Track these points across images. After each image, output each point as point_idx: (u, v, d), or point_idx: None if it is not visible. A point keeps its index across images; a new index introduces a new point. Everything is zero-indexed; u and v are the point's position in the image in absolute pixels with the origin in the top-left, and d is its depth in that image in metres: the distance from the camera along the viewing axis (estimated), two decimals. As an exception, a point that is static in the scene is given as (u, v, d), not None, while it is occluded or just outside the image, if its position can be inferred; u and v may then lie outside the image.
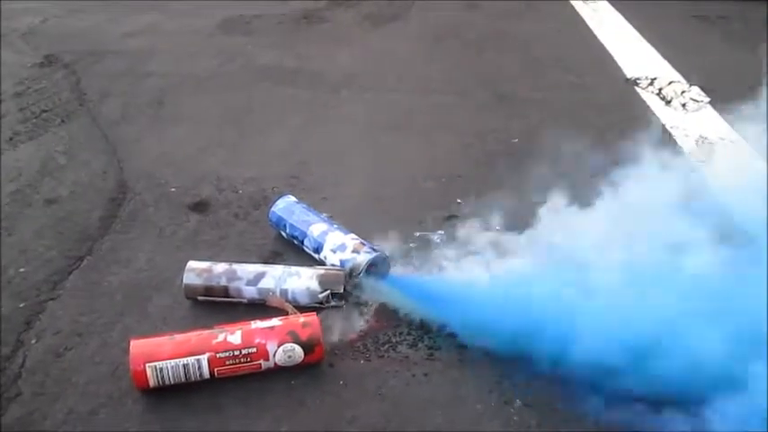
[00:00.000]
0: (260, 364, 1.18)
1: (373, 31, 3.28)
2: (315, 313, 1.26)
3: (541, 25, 3.39)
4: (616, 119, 2.28)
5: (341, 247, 1.44)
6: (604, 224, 1.47)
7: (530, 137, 2.13)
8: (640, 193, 1.52)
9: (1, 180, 1.85)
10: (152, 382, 1.14)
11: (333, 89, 2.53)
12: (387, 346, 1.28)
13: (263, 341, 1.18)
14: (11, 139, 2.09)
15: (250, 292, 1.36)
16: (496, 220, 1.60)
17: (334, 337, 1.29)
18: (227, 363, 1.16)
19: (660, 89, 2.51)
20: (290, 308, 1.29)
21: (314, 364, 1.22)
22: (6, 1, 3.58)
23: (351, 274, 1.39)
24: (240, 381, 1.19)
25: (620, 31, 3.25)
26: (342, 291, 1.35)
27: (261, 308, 1.32)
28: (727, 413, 1.06)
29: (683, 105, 2.38)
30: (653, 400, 1.11)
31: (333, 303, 1.35)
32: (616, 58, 2.87)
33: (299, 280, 1.36)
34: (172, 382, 1.15)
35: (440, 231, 1.63)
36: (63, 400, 1.16)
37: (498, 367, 1.21)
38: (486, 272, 1.43)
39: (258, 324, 1.21)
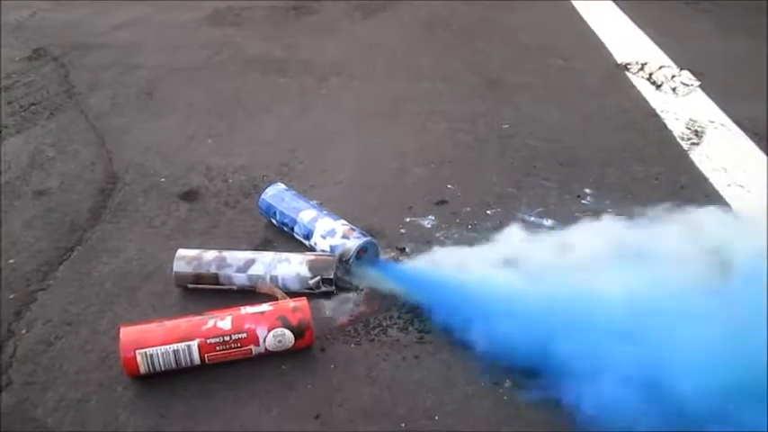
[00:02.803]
0: (250, 349, 1.18)
1: (363, 21, 3.27)
2: (305, 298, 1.26)
3: (531, 12, 3.39)
4: (606, 103, 2.29)
5: (331, 232, 1.44)
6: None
7: (519, 122, 2.14)
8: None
9: (-10, 173, 1.84)
10: (142, 369, 1.14)
11: (322, 78, 2.52)
12: (377, 330, 1.28)
13: (254, 326, 1.18)
14: (-1, 132, 2.08)
15: (240, 279, 1.36)
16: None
17: (325, 321, 1.29)
18: (218, 348, 1.16)
19: (650, 74, 2.51)
20: (280, 293, 1.30)
21: (304, 348, 1.22)
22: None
23: (341, 259, 1.39)
24: (231, 366, 1.18)
25: (610, 16, 3.26)
26: (332, 276, 1.35)
27: (251, 295, 1.32)
28: None
29: (674, 89, 2.39)
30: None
31: (323, 289, 1.35)
32: (606, 43, 2.87)
33: (290, 266, 1.36)
34: (162, 369, 1.15)
35: (430, 216, 1.63)
36: (54, 388, 1.16)
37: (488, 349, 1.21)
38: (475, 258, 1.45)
39: (248, 309, 1.21)
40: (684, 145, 1.99)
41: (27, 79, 2.49)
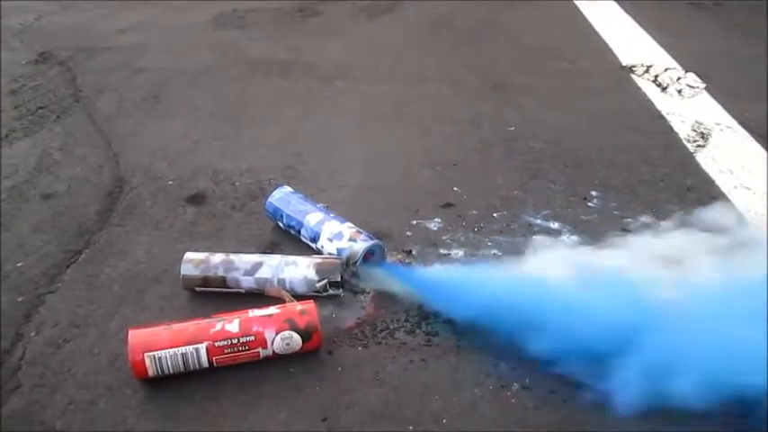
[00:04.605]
0: (258, 352, 1.19)
1: (367, 22, 3.28)
2: (312, 301, 1.26)
3: (535, 13, 3.39)
4: (611, 105, 2.29)
5: (338, 235, 1.44)
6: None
7: (524, 124, 2.14)
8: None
9: (-3, 176, 1.85)
10: (151, 372, 1.15)
11: (327, 81, 2.53)
12: (384, 332, 1.29)
13: (261, 329, 1.18)
14: (6, 136, 2.09)
15: (247, 282, 1.36)
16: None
17: (332, 324, 1.30)
18: (226, 351, 1.17)
19: (656, 76, 2.51)
20: (287, 296, 1.30)
21: (312, 351, 1.22)
22: (0, -1, 3.58)
23: (348, 262, 1.39)
24: (239, 369, 1.19)
25: (615, 18, 3.25)
26: (339, 279, 1.35)
27: (259, 297, 1.33)
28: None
29: (679, 92, 2.39)
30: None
31: (330, 292, 1.35)
32: (611, 45, 2.87)
33: (297, 269, 1.36)
34: (170, 372, 1.16)
35: (436, 219, 1.63)
36: (63, 390, 1.16)
37: (495, 352, 1.22)
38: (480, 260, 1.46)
39: (256, 312, 1.21)
40: (690, 147, 1.99)
41: (34, 83, 2.50)
